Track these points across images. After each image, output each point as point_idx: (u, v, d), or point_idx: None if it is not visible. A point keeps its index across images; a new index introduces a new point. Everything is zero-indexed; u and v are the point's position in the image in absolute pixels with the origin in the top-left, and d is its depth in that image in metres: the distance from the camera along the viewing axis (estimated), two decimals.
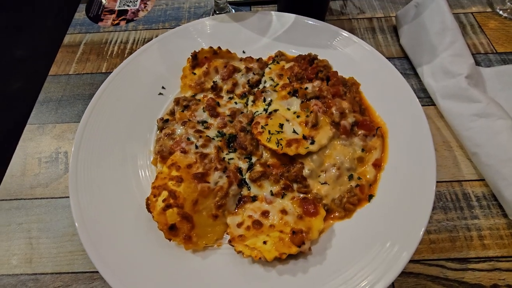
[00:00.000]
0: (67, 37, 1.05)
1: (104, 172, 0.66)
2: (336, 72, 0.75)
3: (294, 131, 0.65)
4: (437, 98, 0.83)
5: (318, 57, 0.79)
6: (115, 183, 0.65)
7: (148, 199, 0.59)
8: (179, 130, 0.69)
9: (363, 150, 0.65)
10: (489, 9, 1.05)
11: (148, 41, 1.02)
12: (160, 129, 0.72)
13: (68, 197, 0.62)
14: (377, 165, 0.64)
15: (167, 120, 0.73)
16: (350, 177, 0.63)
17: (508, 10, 1.04)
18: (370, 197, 0.62)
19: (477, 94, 0.76)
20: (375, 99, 0.75)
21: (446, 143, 0.79)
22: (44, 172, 0.77)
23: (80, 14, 1.11)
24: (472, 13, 1.05)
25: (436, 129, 0.81)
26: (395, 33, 1.01)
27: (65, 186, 0.74)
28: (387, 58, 0.93)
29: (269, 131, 0.65)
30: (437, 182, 0.72)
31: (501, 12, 1.04)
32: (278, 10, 1.02)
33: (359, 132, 0.67)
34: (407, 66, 0.93)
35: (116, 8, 1.12)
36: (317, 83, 0.71)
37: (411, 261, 0.63)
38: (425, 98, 0.87)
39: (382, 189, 0.63)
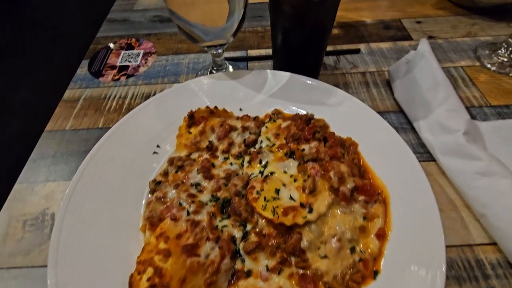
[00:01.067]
0: (67, 92, 1.07)
1: (88, 239, 0.62)
2: (333, 133, 0.74)
3: (291, 198, 0.62)
4: (437, 154, 0.81)
5: (315, 117, 0.79)
6: (99, 254, 0.60)
7: (131, 276, 0.54)
8: (170, 194, 0.66)
9: (364, 218, 0.62)
10: (477, 63, 1.09)
11: (147, 96, 1.04)
12: (152, 191, 0.69)
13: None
14: (381, 235, 0.60)
15: (159, 182, 0.70)
16: (352, 250, 0.58)
17: (496, 64, 1.07)
18: (375, 273, 0.57)
19: (477, 151, 0.74)
20: (374, 160, 0.73)
21: (451, 202, 0.75)
22: (28, 236, 0.73)
23: (82, 70, 1.15)
24: (461, 67, 1.08)
25: (439, 187, 0.78)
26: (388, 87, 1.03)
27: (48, 253, 0.70)
28: (382, 112, 0.95)
29: (264, 198, 0.62)
30: (446, 246, 0.68)
31: (489, 66, 1.07)
32: (274, 66, 1.05)
33: (360, 198, 0.64)
34: (404, 120, 0.93)
35: (118, 64, 1.17)
36: (314, 144, 0.70)
37: None
38: (425, 153, 0.85)
39: (388, 263, 0.58)
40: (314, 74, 1.03)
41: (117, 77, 1.12)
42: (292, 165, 0.68)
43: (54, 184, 0.83)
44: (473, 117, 0.93)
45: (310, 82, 0.87)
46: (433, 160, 0.83)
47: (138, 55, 1.20)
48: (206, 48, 0.92)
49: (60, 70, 1.14)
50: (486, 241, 0.69)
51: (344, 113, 0.81)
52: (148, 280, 0.51)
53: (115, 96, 1.05)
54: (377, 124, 0.77)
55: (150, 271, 0.52)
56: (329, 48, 1.17)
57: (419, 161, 0.82)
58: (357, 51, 1.16)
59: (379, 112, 0.93)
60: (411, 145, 0.87)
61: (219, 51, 0.95)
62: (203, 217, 0.62)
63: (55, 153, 0.89)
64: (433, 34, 1.22)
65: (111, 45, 1.25)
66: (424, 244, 0.58)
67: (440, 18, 1.28)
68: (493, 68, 1.06)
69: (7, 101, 1.05)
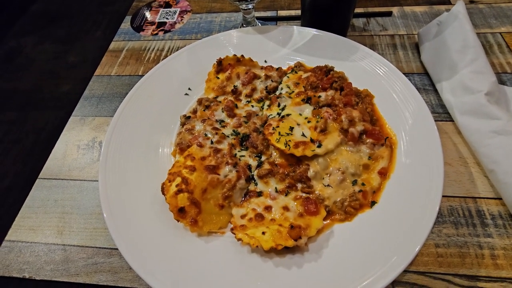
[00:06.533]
0: (113, 44, 1.19)
1: (130, 159, 0.74)
2: (350, 83, 0.78)
3: (303, 134, 0.69)
4: (455, 114, 0.82)
5: (335, 69, 0.83)
6: (138, 169, 0.72)
7: (163, 183, 0.65)
8: (198, 127, 0.76)
9: (369, 158, 0.67)
10: None
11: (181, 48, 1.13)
12: (182, 124, 0.80)
13: (98, 180, 0.71)
14: (383, 174, 0.65)
15: (189, 117, 0.80)
16: (354, 182, 0.64)
17: None
18: (373, 203, 0.63)
19: (497, 111, 0.75)
20: (388, 112, 0.76)
21: (462, 159, 0.77)
22: (81, 157, 0.88)
23: (125, 25, 1.26)
24: (500, 33, 1.03)
25: (453, 144, 0.80)
26: (416, 50, 1.02)
27: (97, 170, 0.83)
28: (407, 73, 0.96)
29: (279, 133, 0.69)
30: (449, 196, 0.72)
31: None
32: (302, 25, 1.08)
33: (367, 141, 0.68)
34: (427, 82, 0.93)
35: (157, 20, 1.26)
36: (330, 92, 0.75)
37: (416, 272, 0.62)
38: (443, 113, 0.86)
39: (386, 197, 0.63)
40: (341, 35, 1.04)
41: (155, 32, 1.21)
42: (307, 109, 0.74)
43: (101, 118, 0.97)
44: (503, 82, 0.91)
45: (334, 38, 0.90)
46: (451, 120, 0.84)
47: (175, 12, 1.28)
48: (237, 3, 0.98)
49: (105, 33, 1.26)
50: (491, 196, 0.71)
51: (365, 67, 0.84)
52: (176, 186, 0.62)
53: (153, 48, 1.15)
54: (396, 79, 0.80)
55: (178, 180, 0.63)
56: (360, 10, 1.16)
57: (437, 120, 0.84)
58: (389, 13, 1.14)
59: (403, 73, 0.94)
60: (431, 106, 0.88)
61: (250, 6, 1.00)
62: (224, 146, 0.71)
63: (102, 94, 1.03)
64: None
65: (151, 3, 1.34)
66: (423, 186, 0.62)
67: None
68: None
69: (60, 63, 1.19)
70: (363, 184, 0.64)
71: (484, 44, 1.00)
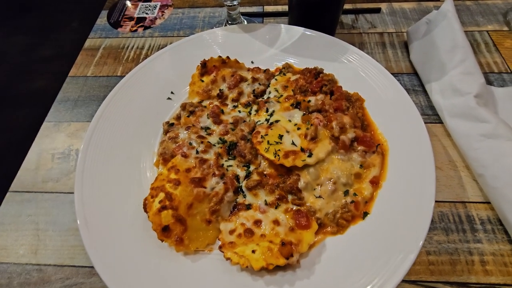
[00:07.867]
0: (88, 41, 1.11)
1: (109, 171, 0.69)
2: (340, 87, 0.75)
3: (293, 143, 0.66)
4: (445, 116, 0.81)
5: (324, 71, 0.80)
6: (118, 182, 0.68)
7: (145, 199, 0.61)
8: (182, 135, 0.71)
9: (361, 166, 0.65)
10: (505, 28, 1.03)
11: (163, 47, 1.06)
12: (165, 132, 0.75)
13: None
14: (375, 183, 0.64)
15: (172, 124, 0.75)
16: (346, 193, 0.62)
17: None
18: (365, 214, 0.61)
19: (486, 114, 0.74)
20: (379, 116, 0.74)
21: (452, 162, 0.77)
22: (56, 167, 0.82)
23: (102, 20, 1.18)
24: (487, 31, 1.03)
25: (443, 147, 0.79)
26: (405, 49, 1.00)
27: (74, 182, 0.78)
28: (396, 73, 0.94)
29: (268, 141, 0.66)
30: (440, 202, 0.71)
31: None
32: (289, 23, 1.03)
33: (359, 148, 0.66)
34: (416, 82, 0.92)
35: (135, 15, 1.18)
36: (320, 96, 0.72)
37: (408, 281, 0.62)
38: (433, 115, 0.85)
39: (378, 208, 0.62)
40: (329, 32, 1.01)
41: (134, 28, 1.14)
42: (297, 115, 0.71)
43: (78, 124, 0.90)
44: (490, 83, 0.91)
45: (323, 38, 0.87)
46: (440, 122, 0.83)
47: (155, 7, 1.21)
48: None
49: (81, 25, 1.17)
50: (480, 200, 0.71)
51: (354, 69, 0.81)
52: (159, 202, 0.58)
53: (132, 46, 1.08)
54: (386, 82, 0.77)
55: (161, 195, 0.59)
56: (348, 6, 1.13)
57: (426, 122, 0.83)
58: (378, 10, 1.11)
59: (393, 74, 0.92)
60: (420, 107, 0.87)
61: (235, 2, 0.94)
62: (210, 156, 0.67)
63: (78, 97, 0.96)
64: None
65: None
66: (415, 195, 0.61)
67: None
68: None
69: (33, 56, 1.11)
70: (355, 195, 0.62)
71: (472, 43, 1.00)
